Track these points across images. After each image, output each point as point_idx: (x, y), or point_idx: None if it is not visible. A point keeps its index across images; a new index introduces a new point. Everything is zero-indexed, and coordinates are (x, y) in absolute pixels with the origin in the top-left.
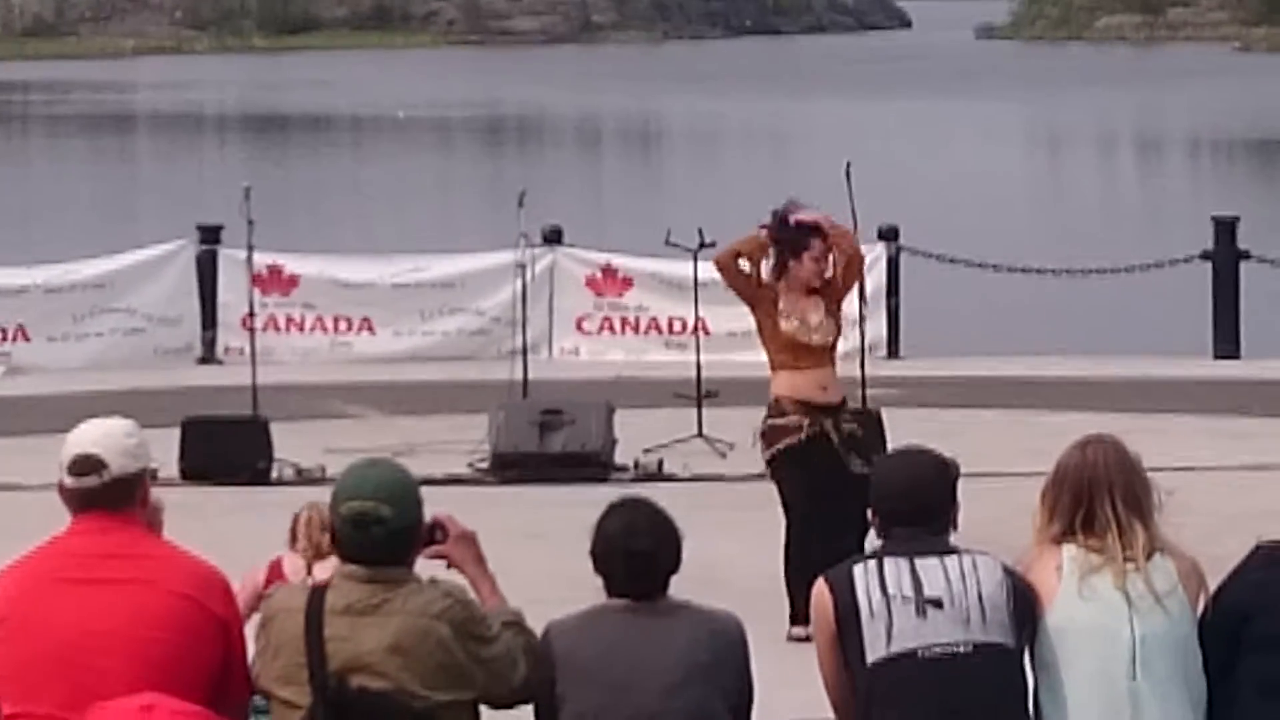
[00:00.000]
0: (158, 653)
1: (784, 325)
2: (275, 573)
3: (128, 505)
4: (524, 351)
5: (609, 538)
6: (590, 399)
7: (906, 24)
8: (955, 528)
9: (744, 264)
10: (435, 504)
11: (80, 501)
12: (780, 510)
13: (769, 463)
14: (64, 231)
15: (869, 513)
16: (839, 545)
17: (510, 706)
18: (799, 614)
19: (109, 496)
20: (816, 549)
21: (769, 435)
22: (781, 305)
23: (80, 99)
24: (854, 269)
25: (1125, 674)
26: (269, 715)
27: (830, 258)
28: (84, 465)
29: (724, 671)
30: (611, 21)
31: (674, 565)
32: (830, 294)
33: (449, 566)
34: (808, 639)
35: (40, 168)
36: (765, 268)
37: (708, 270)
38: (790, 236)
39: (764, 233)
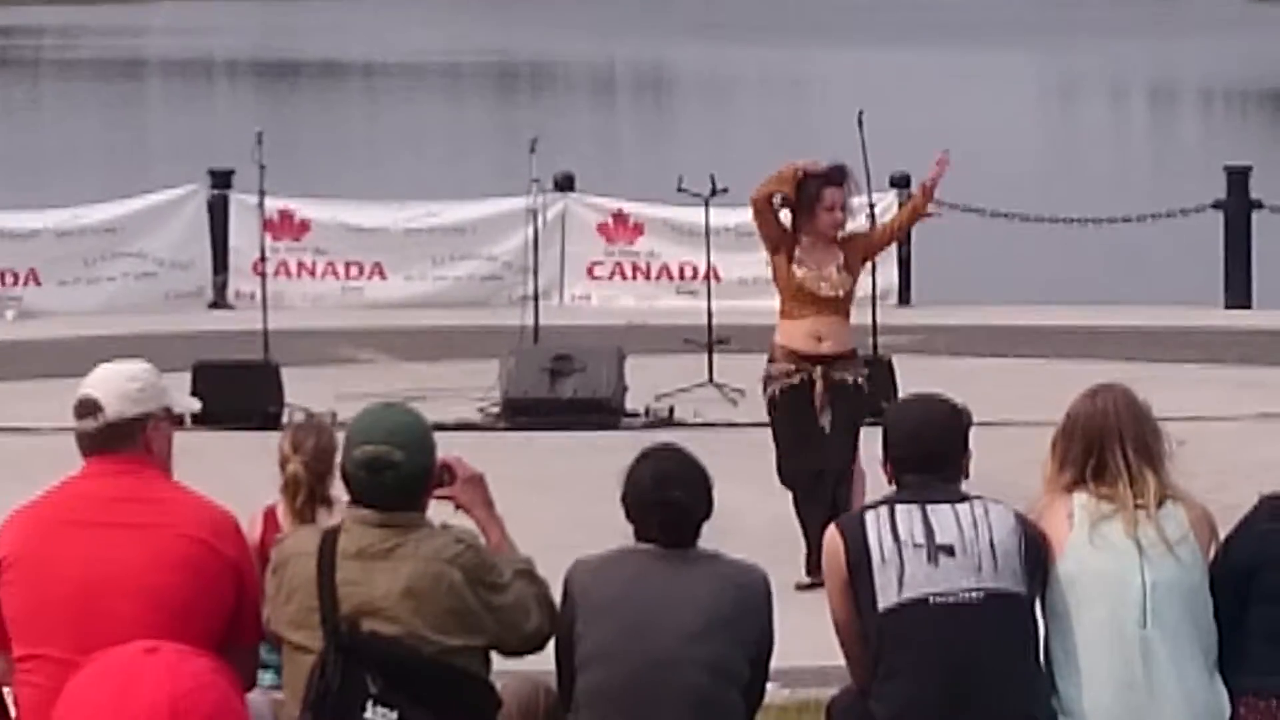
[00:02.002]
0: (169, 596)
1: (797, 271)
2: (270, 523)
3: (129, 448)
4: (535, 297)
5: (641, 487)
6: (601, 345)
7: None
8: (967, 475)
9: (777, 201)
10: (446, 449)
11: (83, 444)
12: None
13: (767, 406)
14: (76, 176)
15: (881, 460)
16: (818, 497)
17: (521, 655)
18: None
19: (107, 439)
20: (809, 501)
21: (764, 382)
22: (799, 252)
23: (94, 43)
24: (899, 223)
25: (1136, 621)
26: (275, 670)
27: (849, 206)
28: (82, 408)
29: (745, 625)
30: None
31: (706, 514)
32: (858, 249)
33: (457, 509)
34: (810, 586)
35: (53, 112)
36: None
37: (719, 217)
38: (808, 188)
39: (797, 169)
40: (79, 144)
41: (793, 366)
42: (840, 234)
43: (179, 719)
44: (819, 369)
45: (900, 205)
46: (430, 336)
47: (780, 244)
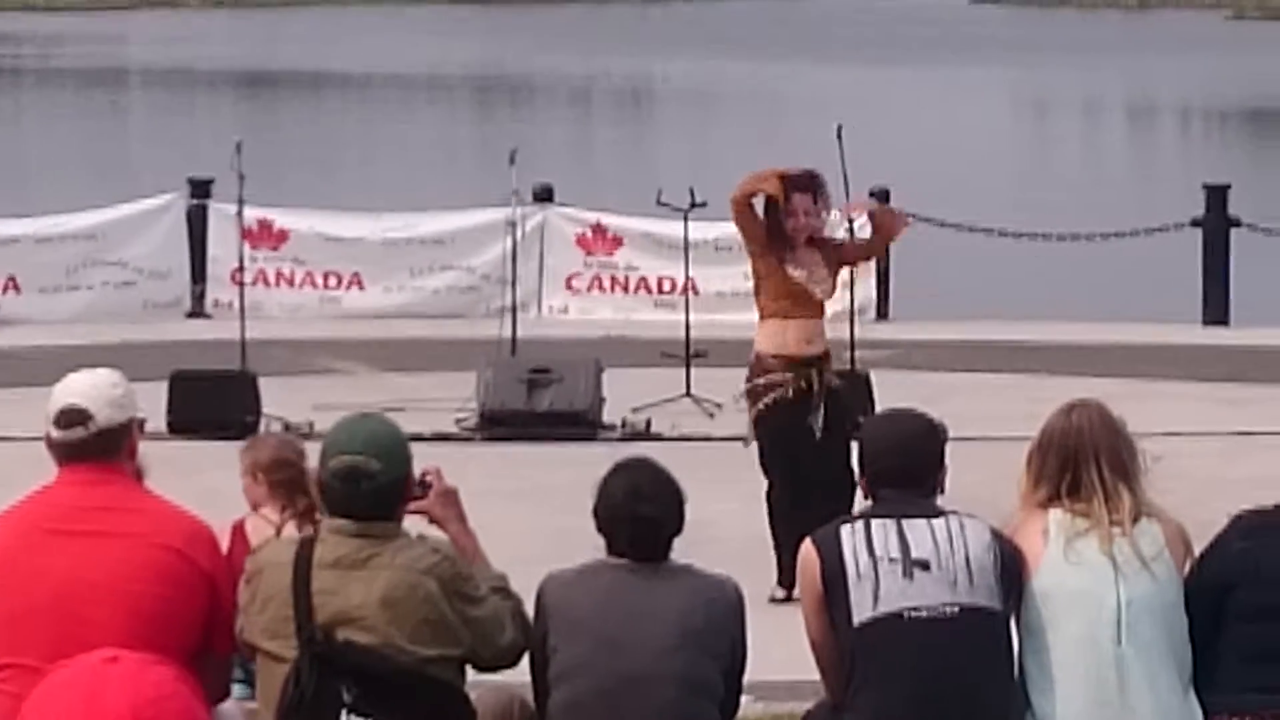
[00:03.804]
0: (144, 606)
1: (794, 273)
2: (238, 538)
3: (115, 456)
4: (513, 309)
5: (613, 501)
6: (579, 357)
7: None
8: (943, 490)
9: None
10: (423, 461)
11: (67, 453)
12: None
13: (754, 421)
14: (56, 184)
15: (857, 474)
16: (824, 508)
17: (496, 670)
18: (783, 576)
19: (96, 448)
20: (801, 510)
21: (753, 394)
22: (789, 254)
23: (75, 52)
24: (872, 248)
25: (1111, 638)
26: (248, 682)
27: (825, 217)
28: (70, 417)
29: (718, 637)
30: None
31: (677, 529)
32: (833, 253)
33: (430, 523)
34: (786, 600)
35: (33, 120)
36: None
37: (698, 230)
38: (785, 190)
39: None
40: (59, 152)
41: (789, 375)
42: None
43: None
44: (814, 370)
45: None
46: (408, 347)
47: (769, 244)
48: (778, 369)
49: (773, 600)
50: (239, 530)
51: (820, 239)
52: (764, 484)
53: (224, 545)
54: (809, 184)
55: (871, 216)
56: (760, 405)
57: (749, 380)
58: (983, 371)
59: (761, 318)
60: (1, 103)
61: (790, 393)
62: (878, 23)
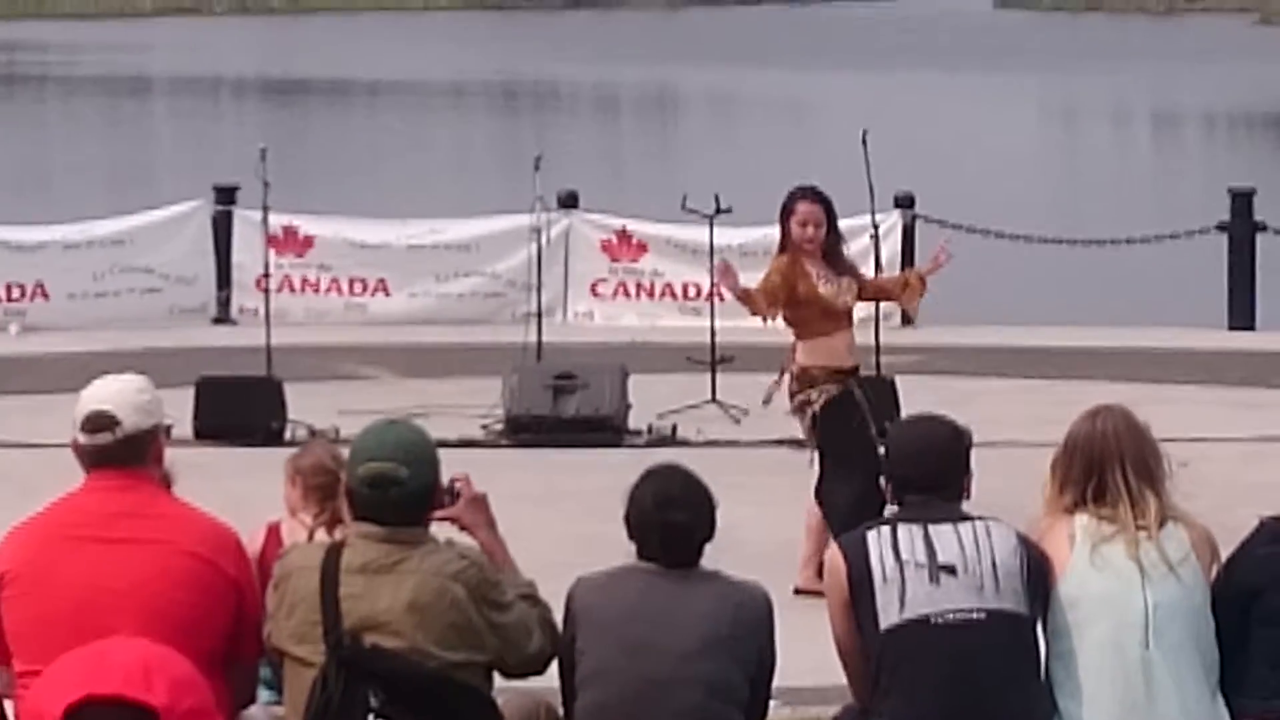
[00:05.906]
0: (170, 612)
1: (823, 289)
2: (272, 539)
3: (141, 462)
4: (538, 315)
5: (644, 507)
6: (604, 363)
7: None
8: (968, 495)
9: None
10: (449, 466)
11: (94, 459)
12: (802, 474)
13: (813, 423)
14: (82, 192)
15: (881, 479)
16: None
17: (523, 676)
18: None
19: (123, 453)
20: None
21: (804, 405)
22: (812, 271)
23: (98, 59)
24: (890, 295)
25: (1138, 642)
26: (272, 687)
27: (822, 225)
28: (97, 422)
29: (744, 644)
30: None
31: (709, 534)
32: (850, 271)
33: (460, 530)
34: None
35: (58, 127)
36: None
37: (723, 236)
38: (784, 204)
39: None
40: (85, 159)
41: (836, 386)
42: (826, 253)
43: (151, 675)
44: (852, 381)
45: (904, 227)
46: (433, 353)
47: (794, 281)
48: (824, 380)
49: (796, 591)
50: (274, 531)
51: (832, 258)
52: (791, 488)
53: (254, 545)
54: (817, 195)
55: (921, 281)
56: (815, 408)
57: (795, 395)
58: (1008, 377)
59: (802, 336)
60: (28, 110)
61: (835, 396)
62: (902, 29)
